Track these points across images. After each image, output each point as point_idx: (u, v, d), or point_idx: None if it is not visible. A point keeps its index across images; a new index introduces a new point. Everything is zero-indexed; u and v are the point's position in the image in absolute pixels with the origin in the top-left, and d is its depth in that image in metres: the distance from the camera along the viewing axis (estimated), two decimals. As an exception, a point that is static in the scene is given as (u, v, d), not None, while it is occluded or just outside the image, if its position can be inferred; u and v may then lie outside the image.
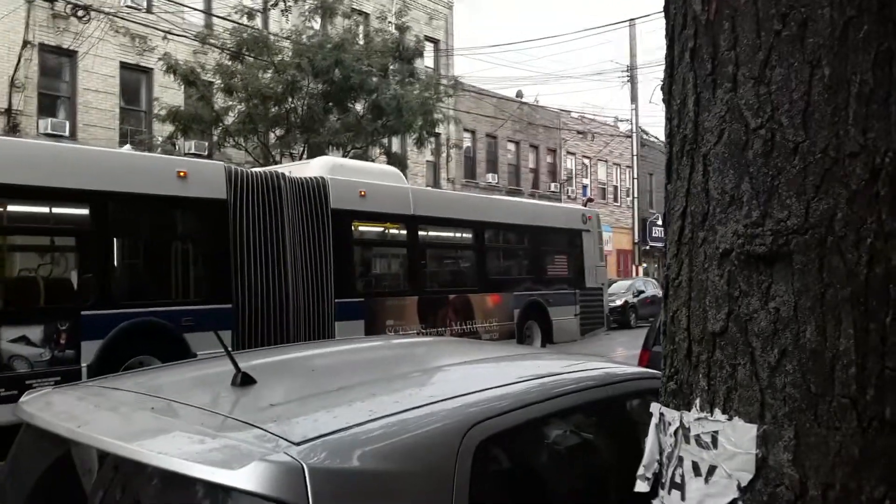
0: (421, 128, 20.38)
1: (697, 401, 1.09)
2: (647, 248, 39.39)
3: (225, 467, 1.81)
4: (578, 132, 37.12)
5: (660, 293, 26.81)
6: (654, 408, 1.19)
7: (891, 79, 1.03)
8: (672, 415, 1.14)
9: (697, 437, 1.08)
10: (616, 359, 14.82)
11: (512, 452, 2.52)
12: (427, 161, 28.80)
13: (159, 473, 1.94)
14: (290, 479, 1.76)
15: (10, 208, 8.51)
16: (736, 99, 1.09)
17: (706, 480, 1.06)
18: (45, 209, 8.93)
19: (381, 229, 13.14)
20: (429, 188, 19.12)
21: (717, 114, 1.10)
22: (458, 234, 14.62)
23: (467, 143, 31.29)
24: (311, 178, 11.35)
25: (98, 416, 2.40)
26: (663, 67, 1.24)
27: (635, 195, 33.94)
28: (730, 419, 1.05)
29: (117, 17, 18.66)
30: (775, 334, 1.04)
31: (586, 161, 38.78)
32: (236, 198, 10.10)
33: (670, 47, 1.21)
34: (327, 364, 3.23)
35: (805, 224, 1.03)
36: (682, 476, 1.09)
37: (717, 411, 1.07)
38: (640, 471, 1.24)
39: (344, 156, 18.66)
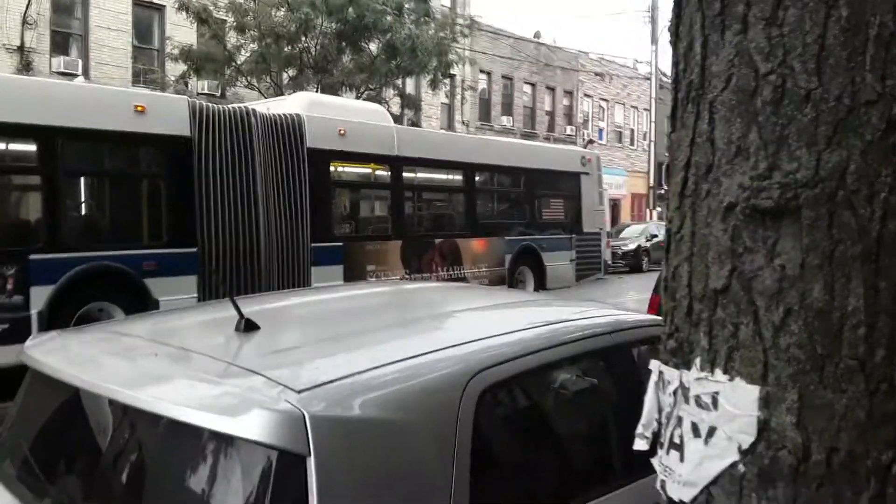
0: (436, 69, 20.10)
1: (698, 360, 1.05)
2: (663, 191, 39.05)
3: (226, 415, 1.81)
4: (596, 74, 36.54)
5: (674, 238, 26.94)
6: (654, 365, 1.15)
7: (914, 21, 0.96)
8: (671, 373, 1.10)
9: (697, 398, 1.04)
10: (628, 304, 14.83)
11: (516, 400, 2.52)
12: (441, 103, 28.50)
13: (162, 420, 1.95)
14: (291, 427, 1.76)
15: (-51, 144, 7.94)
16: (745, 42, 1.02)
17: (706, 442, 1.03)
18: None
19: (363, 170, 12.64)
20: (414, 128, 18.57)
21: (726, 58, 1.04)
22: (447, 176, 14.14)
23: (482, 85, 30.90)
24: (285, 114, 10.77)
25: (102, 361, 2.41)
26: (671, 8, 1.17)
27: (652, 138, 33.48)
28: (731, 380, 1.01)
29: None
30: (780, 292, 0.99)
31: (603, 104, 38.27)
32: (201, 135, 9.52)
33: (679, -16, 1.14)
34: (332, 310, 3.22)
35: (815, 177, 0.98)
36: (682, 437, 1.06)
37: (718, 371, 1.03)
38: (639, 429, 1.21)
39: (357, 96, 18.46)
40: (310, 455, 1.74)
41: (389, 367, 2.16)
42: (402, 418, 2.01)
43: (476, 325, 2.84)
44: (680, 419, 1.06)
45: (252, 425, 1.74)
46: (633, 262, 25.33)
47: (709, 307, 1.04)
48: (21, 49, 17.97)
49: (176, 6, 17.65)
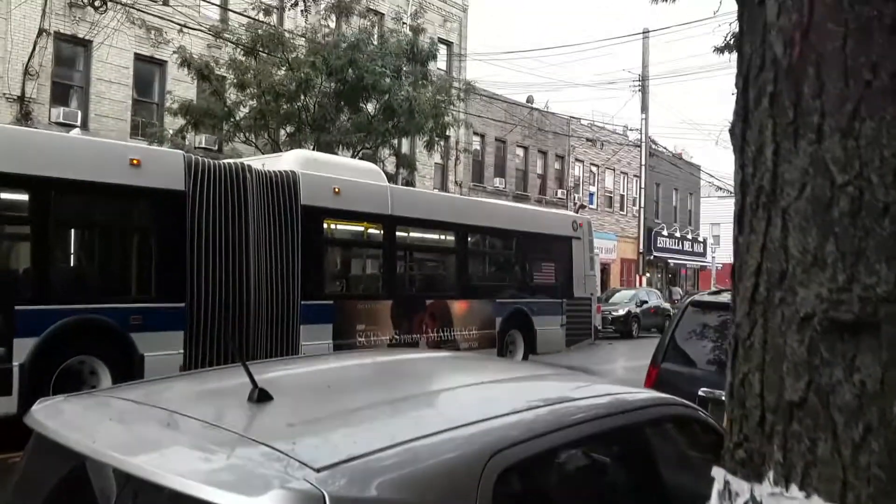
0: (431, 130, 20.33)
1: (771, 473, 1.03)
2: (652, 258, 39.32)
3: (243, 493, 1.76)
4: (588, 139, 37.07)
5: (663, 304, 26.80)
6: (718, 473, 1.12)
7: None
8: (740, 485, 1.07)
9: (771, 513, 1.01)
10: (618, 372, 14.72)
11: (533, 482, 2.48)
12: (436, 163, 28.77)
13: (173, 494, 1.89)
14: (311, 509, 1.72)
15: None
16: (820, 152, 1.01)
17: (779, 560, 0.99)
18: None
19: (356, 228, 12.56)
20: (408, 188, 18.65)
21: (799, 166, 1.03)
22: (439, 237, 14.10)
23: (476, 147, 31.26)
24: (280, 171, 10.76)
25: (112, 429, 2.36)
26: (733, 109, 1.17)
27: (642, 204, 33.85)
28: (808, 497, 0.98)
29: (133, 7, 18.62)
30: (860, 409, 0.97)
31: (594, 169, 38.73)
32: (196, 189, 9.46)
33: (744, 89, 1.14)
34: (343, 380, 3.17)
35: (895, 292, 0.97)
36: (752, 552, 1.03)
37: (794, 487, 1.00)
38: (701, 539, 1.17)
39: (354, 155, 18.60)
40: (330, 538, 1.70)
41: (406, 445, 2.13)
42: (419, 500, 1.98)
43: (489, 401, 2.81)
44: (750, 533, 1.03)
45: (271, 505, 1.70)
46: (623, 328, 25.35)
47: (783, 419, 1.02)
48: (21, 99, 18.08)
49: (178, 62, 17.87)
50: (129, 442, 2.25)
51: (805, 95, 1.04)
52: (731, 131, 1.18)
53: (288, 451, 1.96)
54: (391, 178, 17.57)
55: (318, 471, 1.84)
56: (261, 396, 2.42)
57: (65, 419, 2.41)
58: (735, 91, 1.18)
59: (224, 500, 1.75)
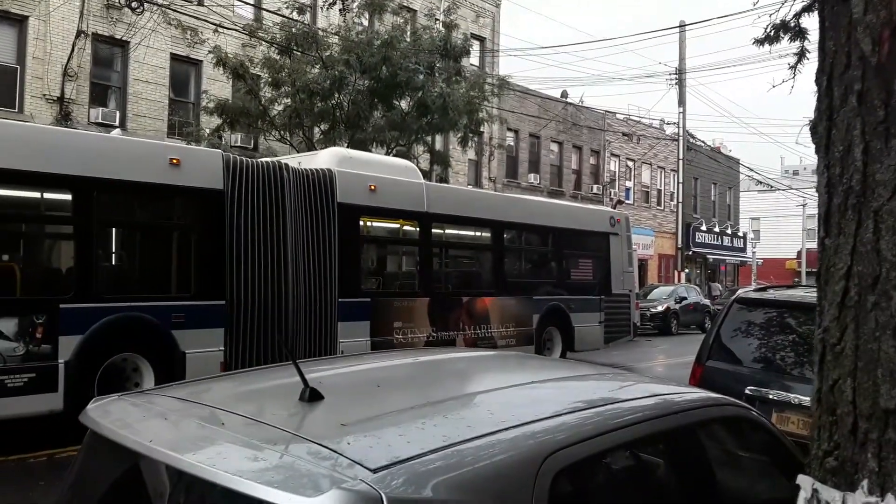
0: (465, 126, 20.29)
1: (865, 482, 0.99)
2: (690, 253, 38.89)
3: (301, 493, 1.76)
4: (623, 134, 36.75)
5: (702, 300, 26.52)
6: (805, 482, 1.09)
7: None
8: (831, 494, 1.03)
9: (866, 524, 0.98)
10: (657, 369, 14.61)
11: (587, 482, 2.46)
12: (469, 160, 28.72)
13: (229, 493, 1.89)
14: (368, 509, 1.71)
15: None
16: (914, 150, 0.98)
17: (875, 570, 0.96)
18: (25, 195, 8.37)
19: (392, 226, 12.59)
20: (443, 184, 18.54)
21: (892, 166, 1.00)
22: (475, 234, 14.08)
23: (510, 143, 31.14)
24: (317, 169, 10.83)
25: (165, 429, 2.37)
26: (815, 108, 1.14)
27: (680, 199, 33.48)
28: (906, 508, 0.95)
29: (170, 8, 18.85)
30: (961, 417, 0.94)
31: (630, 163, 38.40)
32: (234, 188, 9.58)
33: (828, 87, 1.10)
34: (390, 379, 3.17)
35: None
36: (845, 563, 1.00)
37: (891, 497, 0.97)
38: (787, 548, 1.14)
39: (388, 152, 18.63)
40: (386, 539, 1.69)
41: (461, 445, 2.12)
42: (475, 501, 1.97)
43: (539, 402, 2.79)
44: (842, 544, 1.00)
45: (328, 505, 1.70)
46: (661, 325, 25.12)
47: (878, 427, 0.98)
48: (61, 100, 18.39)
49: (213, 62, 18.03)
50: (183, 440, 2.26)
51: (896, 93, 1.00)
52: (814, 130, 1.14)
53: (343, 451, 1.96)
54: (426, 174, 17.59)
55: (374, 471, 1.84)
56: (312, 396, 2.43)
57: (119, 418, 2.43)
58: (816, 89, 1.14)
59: (280, 500, 1.75)
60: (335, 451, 1.97)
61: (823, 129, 1.12)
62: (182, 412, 2.48)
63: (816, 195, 1.08)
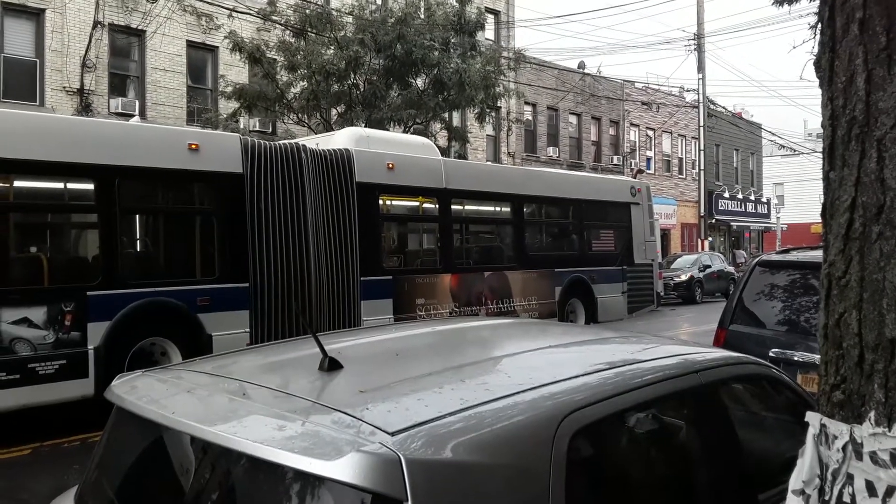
0: (482, 102, 20.18)
1: (872, 414, 0.99)
2: (713, 221, 38.56)
3: (321, 458, 1.78)
4: (642, 103, 36.37)
5: (726, 267, 26.35)
6: (813, 418, 1.08)
7: None
8: (838, 427, 1.03)
9: (873, 454, 0.97)
10: (681, 337, 14.56)
11: (607, 442, 2.46)
12: (487, 135, 28.60)
13: (252, 460, 1.93)
14: (388, 470, 1.74)
15: (13, 183, 8.01)
16: (917, 77, 0.96)
17: (884, 501, 0.96)
18: (49, 184, 8.39)
19: (411, 203, 12.59)
20: (461, 160, 18.42)
21: (895, 93, 0.98)
22: (495, 209, 14.04)
23: (528, 116, 30.95)
24: (335, 150, 10.86)
25: (190, 401, 2.40)
26: (818, 41, 1.12)
27: (701, 167, 33.13)
28: (913, 436, 0.95)
29: (184, -5, 18.90)
30: (968, 342, 0.93)
31: (650, 133, 38.04)
32: (253, 171, 9.64)
33: (830, 18, 1.08)
34: (409, 348, 3.18)
35: None
36: (853, 495, 0.99)
37: (898, 427, 0.96)
38: (796, 485, 1.13)
39: (405, 131, 18.59)
40: (407, 500, 1.71)
41: (479, 408, 2.13)
42: (494, 462, 1.98)
43: (557, 364, 2.79)
44: (851, 477, 0.99)
45: (348, 468, 1.72)
46: (685, 294, 24.97)
47: (885, 357, 0.97)
48: (81, 91, 18.54)
49: (230, 47, 18.06)
50: (207, 412, 2.29)
51: (898, 18, 0.98)
52: (817, 64, 1.12)
53: (362, 417, 1.97)
54: (443, 151, 17.53)
55: (392, 434, 1.85)
56: (331, 365, 2.45)
57: (143, 393, 2.46)
58: (818, 23, 1.12)
59: (302, 465, 1.78)
60: (354, 417, 1.99)
61: (826, 61, 1.10)
62: (205, 385, 2.51)
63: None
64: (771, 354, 5.48)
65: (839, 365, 1.06)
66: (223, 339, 9.05)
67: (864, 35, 1.02)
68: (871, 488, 0.98)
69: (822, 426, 1.06)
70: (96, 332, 8.16)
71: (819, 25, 1.12)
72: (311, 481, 1.82)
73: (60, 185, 8.54)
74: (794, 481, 1.13)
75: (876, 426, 0.99)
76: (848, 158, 1.04)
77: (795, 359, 5.44)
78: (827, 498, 1.05)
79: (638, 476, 2.58)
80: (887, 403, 0.98)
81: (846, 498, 1.01)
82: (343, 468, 1.73)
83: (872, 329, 1.00)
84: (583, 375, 2.53)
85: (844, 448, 1.02)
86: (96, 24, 18.72)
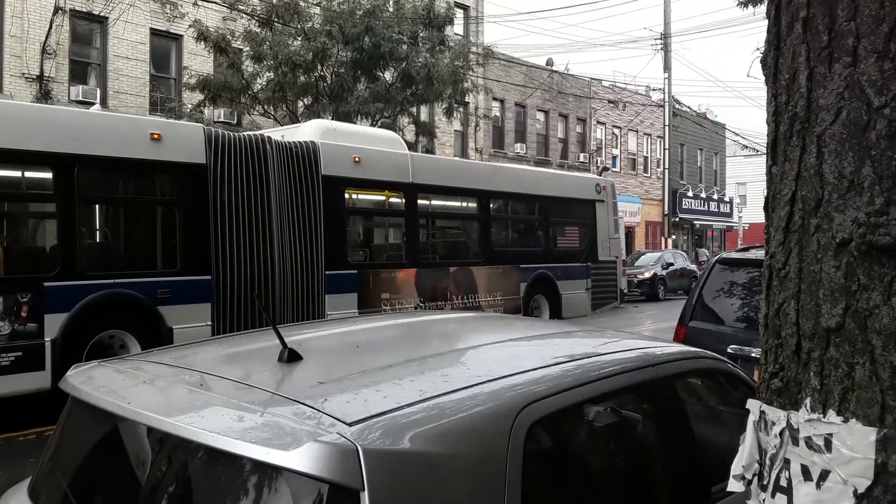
0: (450, 97, 20.18)
1: (808, 401, 1.02)
2: (677, 220, 39.01)
3: (278, 448, 1.78)
4: (609, 101, 36.65)
5: (689, 265, 26.65)
6: (753, 405, 1.11)
7: None
8: (776, 414, 1.06)
9: (808, 440, 1.00)
10: (644, 334, 14.77)
11: (562, 435, 2.49)
12: (455, 131, 28.61)
13: (209, 451, 1.92)
14: (345, 460, 1.74)
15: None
16: (856, 74, 0.99)
17: (818, 485, 0.99)
18: (6, 173, 8.19)
19: (378, 197, 12.54)
20: (429, 155, 18.42)
21: (835, 90, 1.01)
22: (461, 204, 14.08)
23: (496, 113, 31.02)
24: (301, 142, 10.80)
25: (146, 391, 2.39)
26: (765, 39, 1.15)
27: (666, 166, 33.49)
28: (846, 421, 0.98)
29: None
30: (899, 332, 0.96)
31: (616, 131, 38.35)
32: (217, 162, 9.54)
33: (776, 17, 1.12)
34: (370, 340, 3.19)
35: (934, 214, 0.95)
36: (790, 479, 1.02)
37: (832, 412, 0.99)
38: (737, 470, 1.17)
39: (372, 124, 18.53)
40: (364, 489, 1.72)
41: (437, 399, 2.14)
42: (451, 452, 1.99)
43: (518, 357, 2.82)
44: (787, 461, 1.02)
45: (304, 458, 1.72)
46: (649, 291, 25.25)
47: (820, 346, 1.00)
48: (40, 78, 18.17)
49: (194, 36, 17.83)
50: (164, 402, 2.28)
51: (840, 18, 1.01)
52: (763, 61, 1.15)
53: (320, 407, 1.98)
54: (411, 146, 17.51)
55: (350, 425, 1.86)
56: (290, 356, 2.45)
57: (99, 383, 2.44)
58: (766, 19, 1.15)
59: (259, 455, 1.78)
60: (312, 408, 1.99)
61: (771, 58, 1.13)
62: (162, 375, 2.50)
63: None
64: (729, 351, 5.57)
65: (778, 354, 1.09)
66: (184, 331, 8.96)
67: (808, 34, 1.05)
68: (806, 472, 1.01)
69: (762, 413, 1.10)
70: (53, 323, 8.04)
71: (767, 24, 1.15)
72: (269, 472, 1.82)
73: (18, 174, 8.35)
74: (735, 466, 1.16)
75: (811, 412, 1.02)
76: (789, 154, 1.08)
77: (753, 355, 5.53)
78: (765, 482, 1.09)
79: (594, 466, 2.61)
80: (822, 391, 1.02)
81: (783, 482, 1.04)
82: (299, 458, 1.73)
83: (809, 319, 1.04)
84: (542, 367, 2.55)
85: (782, 434, 1.05)
86: (57, 9, 18.35)
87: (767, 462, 1.08)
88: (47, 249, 8.71)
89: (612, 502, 2.56)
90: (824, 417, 1.01)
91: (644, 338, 3.72)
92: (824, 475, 0.99)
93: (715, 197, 45.73)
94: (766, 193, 1.14)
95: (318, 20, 18.64)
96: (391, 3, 19.77)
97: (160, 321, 8.90)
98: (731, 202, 47.75)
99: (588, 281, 15.96)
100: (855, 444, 0.98)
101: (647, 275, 25.61)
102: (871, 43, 0.99)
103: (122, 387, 2.40)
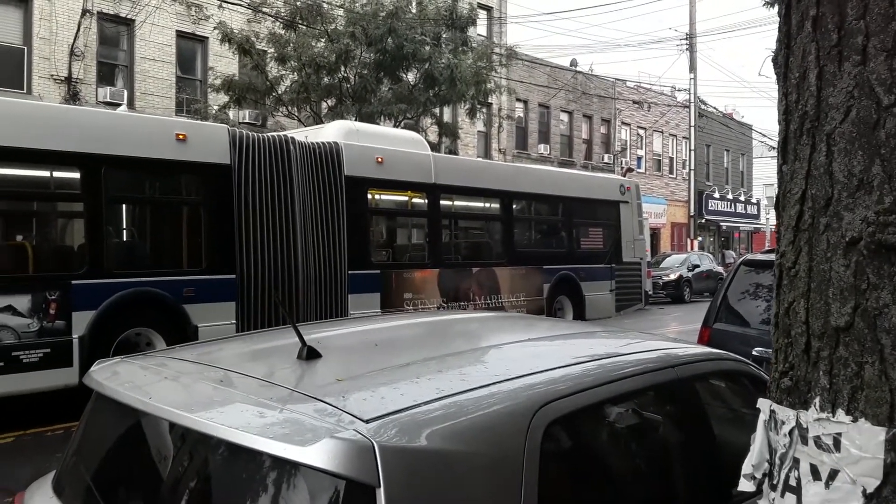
0: (473, 97, 20.17)
1: (817, 400, 1.02)
2: (703, 221, 38.69)
3: (295, 444, 1.80)
4: (634, 102, 36.43)
5: (715, 267, 26.39)
6: (764, 404, 1.11)
7: None
8: (786, 413, 1.06)
9: (817, 439, 1.00)
10: (668, 335, 14.62)
11: (579, 434, 2.48)
12: (478, 132, 28.60)
13: (228, 446, 1.94)
14: (361, 456, 1.75)
15: (-1, 171, 7.99)
16: (865, 73, 0.99)
17: (826, 485, 0.99)
18: (35, 173, 8.33)
19: (400, 198, 12.54)
20: (451, 156, 18.40)
21: (844, 89, 1.01)
22: (484, 204, 14.05)
23: (519, 114, 30.96)
24: (323, 143, 10.85)
25: (167, 387, 2.41)
26: (776, 38, 1.14)
27: (692, 167, 33.22)
28: (855, 421, 0.97)
29: (174, -15, 18.79)
30: (909, 331, 0.96)
31: (641, 132, 38.11)
32: (241, 163, 9.63)
33: (786, 15, 1.11)
34: (389, 339, 3.21)
35: (944, 212, 0.94)
36: (798, 479, 1.02)
37: (841, 412, 0.99)
38: (747, 469, 1.16)
39: (395, 125, 18.57)
40: (379, 486, 1.73)
41: (455, 397, 2.14)
42: (468, 450, 2.00)
43: (537, 356, 2.82)
44: (797, 461, 1.02)
45: (321, 454, 1.73)
46: (674, 293, 25.04)
47: (829, 345, 1.00)
48: (68, 80, 18.42)
49: (219, 38, 17.98)
50: (185, 398, 2.30)
51: (849, 17, 1.01)
52: (774, 60, 1.15)
53: (337, 404, 1.99)
54: (434, 147, 17.52)
55: (367, 422, 1.87)
56: (310, 354, 2.47)
57: (122, 378, 2.47)
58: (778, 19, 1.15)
59: (277, 450, 1.79)
60: (330, 404, 2.00)
61: (782, 57, 1.13)
62: (183, 372, 2.52)
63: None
64: (754, 353, 5.52)
65: (788, 352, 1.09)
66: (209, 329, 9.05)
67: (817, 32, 1.05)
68: (815, 472, 1.01)
69: (772, 412, 1.09)
70: (81, 321, 8.15)
71: (778, 23, 1.15)
72: (287, 468, 1.84)
73: (47, 174, 8.49)
74: (746, 466, 1.16)
75: (820, 412, 1.02)
76: (799, 152, 1.07)
77: (777, 357, 5.47)
78: (775, 481, 1.08)
79: (611, 467, 2.60)
80: (831, 390, 1.01)
81: (792, 481, 1.04)
82: (316, 454, 1.74)
83: (819, 318, 1.03)
84: (561, 367, 2.54)
85: (791, 433, 1.05)
86: (85, 12, 18.60)
87: (777, 461, 1.07)
88: (75, 248, 8.84)
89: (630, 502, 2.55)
90: (833, 417, 1.00)
91: (665, 339, 3.69)
92: (833, 475, 0.99)
93: (742, 198, 45.28)
94: (776, 192, 1.14)
95: (341, 22, 18.71)
96: (414, 4, 19.80)
97: (186, 319, 9.00)
98: (758, 204, 47.26)
99: (612, 282, 15.86)
100: (864, 443, 0.97)
101: (672, 277, 25.42)
102: (881, 41, 0.98)
103: (145, 382, 2.44)
